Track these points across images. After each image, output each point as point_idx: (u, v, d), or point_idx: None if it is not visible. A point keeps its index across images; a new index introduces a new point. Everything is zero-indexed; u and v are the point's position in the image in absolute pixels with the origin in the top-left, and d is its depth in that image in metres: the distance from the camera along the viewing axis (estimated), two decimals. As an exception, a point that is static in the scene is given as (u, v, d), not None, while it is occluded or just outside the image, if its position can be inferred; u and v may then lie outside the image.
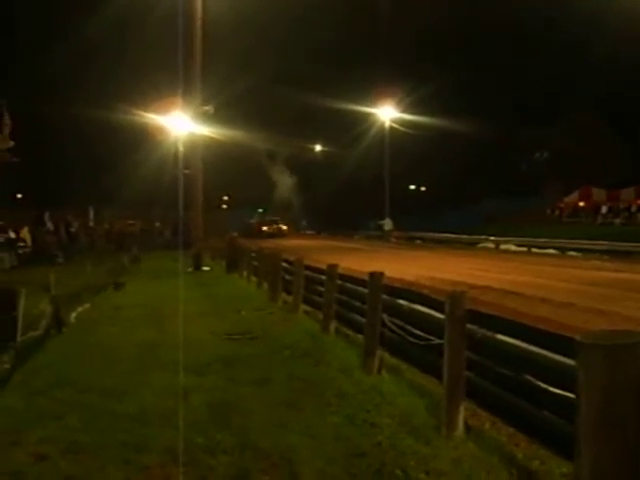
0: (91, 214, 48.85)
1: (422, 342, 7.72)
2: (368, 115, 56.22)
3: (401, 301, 8.66)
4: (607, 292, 16.61)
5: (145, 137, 40.24)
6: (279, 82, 61.64)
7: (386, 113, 54.00)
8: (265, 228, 62.30)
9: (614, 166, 62.81)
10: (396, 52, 70.48)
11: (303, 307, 14.27)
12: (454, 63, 69.03)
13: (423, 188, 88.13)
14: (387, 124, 53.73)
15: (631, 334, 3.62)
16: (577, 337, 3.61)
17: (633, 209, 57.26)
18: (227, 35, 44.19)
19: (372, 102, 54.99)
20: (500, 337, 5.76)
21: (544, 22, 67.34)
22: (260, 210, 71.73)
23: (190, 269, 27.76)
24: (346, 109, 57.76)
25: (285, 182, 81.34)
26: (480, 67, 70.16)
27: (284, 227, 64.79)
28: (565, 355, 4.52)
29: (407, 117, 54.72)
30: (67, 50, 53.30)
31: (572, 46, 64.30)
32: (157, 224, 56.54)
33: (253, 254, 22.98)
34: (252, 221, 66.20)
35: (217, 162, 42.36)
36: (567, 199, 69.29)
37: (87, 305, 15.85)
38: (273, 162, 80.00)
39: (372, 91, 55.75)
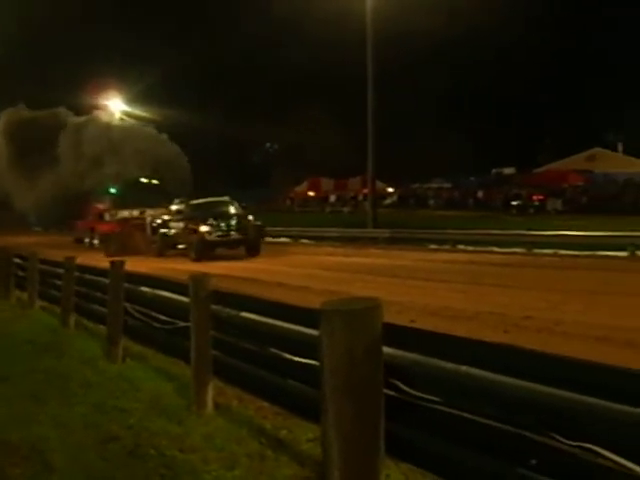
0: None
1: (167, 327, 7.79)
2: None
3: (144, 288, 8.66)
4: (339, 275, 17.74)
5: None
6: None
7: (116, 106, 52.35)
8: None
9: (341, 157, 65.90)
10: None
11: (40, 303, 13.76)
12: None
13: (155, 181, 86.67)
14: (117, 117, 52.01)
15: (367, 300, 3.95)
16: (319, 306, 3.88)
17: (360, 198, 60.52)
18: None
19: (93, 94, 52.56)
20: (245, 314, 5.96)
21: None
22: None
23: None
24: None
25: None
26: (200, 57, 70.72)
27: None
28: (307, 326, 4.80)
29: (138, 111, 53.36)
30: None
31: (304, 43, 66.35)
32: None
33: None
34: None
35: None
36: (297, 189, 71.93)
37: None
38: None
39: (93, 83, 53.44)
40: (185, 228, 28.12)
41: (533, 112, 74.05)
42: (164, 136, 48.35)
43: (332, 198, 67.76)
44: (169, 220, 30.22)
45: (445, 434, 4.03)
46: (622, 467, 3.06)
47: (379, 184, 47.84)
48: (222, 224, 27.15)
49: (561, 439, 3.33)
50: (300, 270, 20.02)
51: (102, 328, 9.70)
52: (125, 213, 36.52)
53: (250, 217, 28.70)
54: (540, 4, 66.02)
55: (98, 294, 10.56)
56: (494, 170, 67.01)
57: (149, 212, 34.43)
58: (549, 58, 70.58)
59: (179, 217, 29.37)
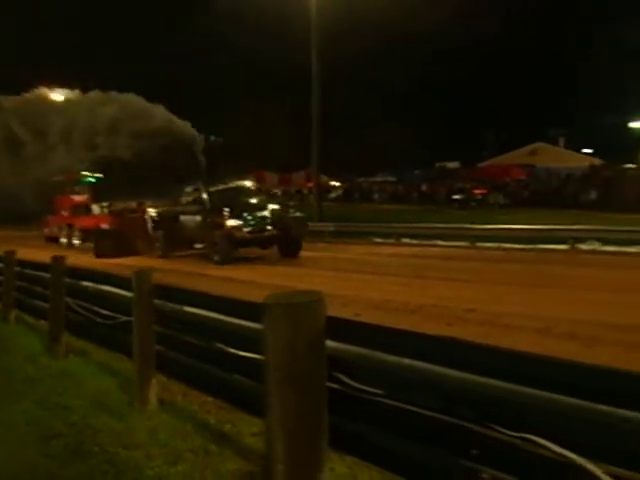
0: None
1: (110, 322, 7.70)
2: None
3: (86, 282, 8.54)
4: (284, 269, 17.77)
5: None
6: None
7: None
8: None
9: (286, 152, 65.83)
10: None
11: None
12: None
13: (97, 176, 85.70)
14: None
15: (310, 293, 3.95)
16: (263, 300, 3.86)
17: (305, 192, 60.58)
18: None
19: None
20: (188, 309, 5.92)
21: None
22: None
23: None
24: None
25: None
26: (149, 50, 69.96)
27: None
28: (251, 320, 4.78)
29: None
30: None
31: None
32: None
33: None
34: None
35: None
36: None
37: None
38: None
39: None
40: (204, 222, 22.37)
41: (478, 107, 74.98)
42: (157, 107, 40.44)
43: (278, 192, 67.74)
44: (179, 213, 24.39)
45: (389, 427, 4.05)
46: (561, 456, 3.11)
47: (323, 178, 47.89)
48: (255, 217, 21.61)
49: (502, 430, 3.38)
50: (243, 264, 20.03)
51: (44, 324, 9.55)
52: (120, 205, 30.72)
53: (290, 208, 24.61)
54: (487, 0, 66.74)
55: (39, 289, 10.39)
56: (438, 164, 67.62)
57: (148, 204, 28.83)
58: (495, 54, 71.50)
59: (194, 209, 23.35)
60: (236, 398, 5.65)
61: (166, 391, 6.55)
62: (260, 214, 21.75)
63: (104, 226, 27.94)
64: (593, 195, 42.69)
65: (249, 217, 21.38)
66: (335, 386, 4.07)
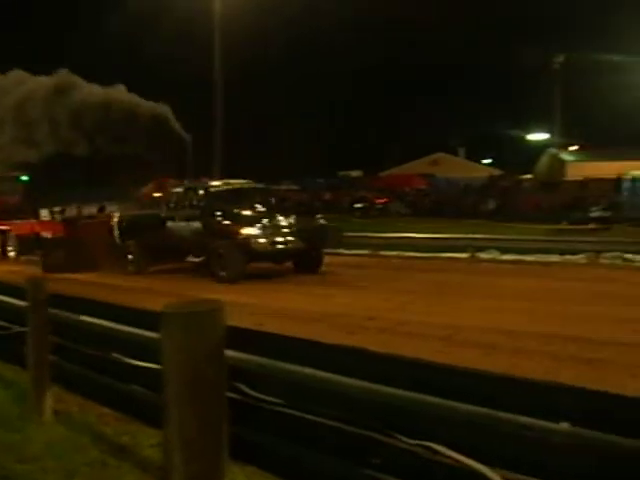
0: None
1: (3, 332, 7.44)
2: None
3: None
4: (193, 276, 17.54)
5: None
6: None
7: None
8: None
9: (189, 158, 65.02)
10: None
11: None
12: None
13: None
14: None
15: (209, 302, 3.91)
16: (162, 308, 3.80)
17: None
18: None
19: None
20: (85, 318, 5.78)
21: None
22: None
23: None
24: None
25: None
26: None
27: None
28: (150, 329, 4.69)
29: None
30: None
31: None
32: None
33: None
34: None
35: None
36: (145, 189, 70.84)
37: None
38: None
39: None
40: (205, 229, 18.10)
41: (381, 117, 75.99)
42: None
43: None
44: (164, 218, 19.81)
45: (290, 436, 4.03)
46: (460, 463, 3.15)
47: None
48: (276, 224, 17.52)
49: (403, 438, 3.40)
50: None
51: None
52: (72, 210, 25.66)
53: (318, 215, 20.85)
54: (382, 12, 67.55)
55: None
56: (341, 173, 68.14)
57: (111, 208, 24.61)
58: (396, 64, 72.59)
59: (187, 213, 18.97)
60: (135, 409, 5.53)
61: (62, 403, 6.37)
62: (281, 220, 17.71)
63: (46, 234, 22.83)
64: (491, 205, 43.71)
65: (268, 224, 17.25)
66: (235, 396, 4.03)
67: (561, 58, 52.35)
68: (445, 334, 9.44)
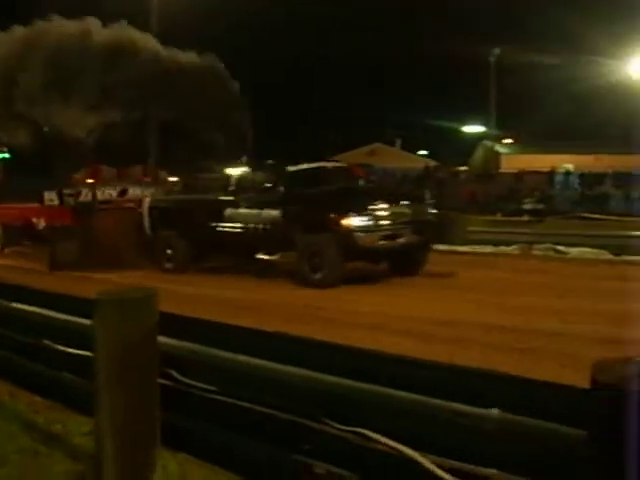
0: None
1: None
2: None
3: None
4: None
5: None
6: None
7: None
8: None
9: (124, 145, 64.21)
10: None
11: None
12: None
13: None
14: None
15: (142, 289, 3.89)
16: (95, 295, 3.77)
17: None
18: None
19: None
20: (16, 305, 5.70)
21: None
22: None
23: None
24: None
25: None
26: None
27: None
28: (82, 316, 4.66)
29: None
30: None
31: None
32: None
33: None
34: None
35: None
36: (77, 176, 69.60)
37: None
38: None
39: None
40: (289, 220, 13.82)
41: (320, 107, 76.00)
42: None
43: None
44: (222, 203, 15.24)
45: (222, 423, 4.05)
46: (393, 449, 3.20)
47: (163, 173, 47.15)
48: (390, 213, 13.59)
49: (335, 425, 3.44)
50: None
51: None
52: (86, 192, 20.92)
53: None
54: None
55: None
56: (269, 162, 67.76)
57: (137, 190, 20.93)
58: (336, 56, 72.65)
59: (260, 199, 14.55)
60: (66, 397, 5.47)
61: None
62: (395, 209, 13.80)
63: (41, 224, 19.28)
64: (427, 195, 43.93)
65: (378, 213, 13.40)
66: (168, 383, 4.03)
67: (497, 51, 52.84)
68: (378, 322, 9.48)
